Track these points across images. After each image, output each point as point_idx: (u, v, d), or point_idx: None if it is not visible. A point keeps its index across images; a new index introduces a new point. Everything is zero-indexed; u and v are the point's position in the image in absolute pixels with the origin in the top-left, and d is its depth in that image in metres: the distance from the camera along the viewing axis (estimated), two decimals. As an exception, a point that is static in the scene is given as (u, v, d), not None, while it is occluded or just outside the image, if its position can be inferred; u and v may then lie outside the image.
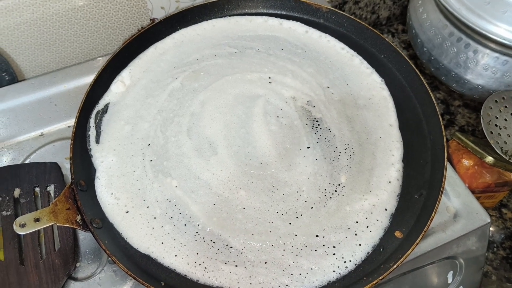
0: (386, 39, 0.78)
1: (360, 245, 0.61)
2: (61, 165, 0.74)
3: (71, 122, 0.70)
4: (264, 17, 0.84)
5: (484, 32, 0.77)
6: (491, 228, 0.86)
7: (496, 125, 0.79)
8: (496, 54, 0.81)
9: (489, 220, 0.69)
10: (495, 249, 0.85)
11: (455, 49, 0.85)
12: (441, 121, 0.68)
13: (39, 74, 0.87)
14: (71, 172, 0.64)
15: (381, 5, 1.10)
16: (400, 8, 1.14)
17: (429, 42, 0.89)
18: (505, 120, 0.80)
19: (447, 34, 0.85)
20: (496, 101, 0.82)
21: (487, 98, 0.82)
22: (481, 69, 0.83)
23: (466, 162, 0.81)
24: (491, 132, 0.78)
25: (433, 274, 0.71)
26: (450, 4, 0.81)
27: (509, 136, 0.78)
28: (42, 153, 0.76)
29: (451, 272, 0.71)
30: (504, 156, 0.76)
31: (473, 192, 0.79)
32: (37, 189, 0.71)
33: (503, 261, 0.84)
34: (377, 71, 0.77)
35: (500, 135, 0.78)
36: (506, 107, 0.81)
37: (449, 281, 0.72)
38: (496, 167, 0.78)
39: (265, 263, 0.59)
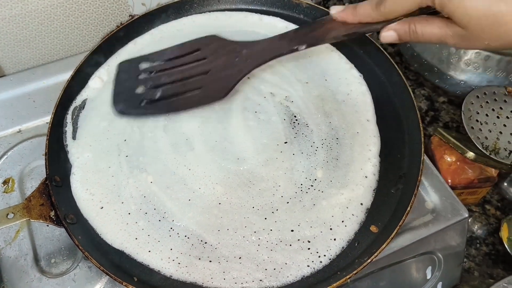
0: (366, 34, 0.77)
1: (335, 239, 0.60)
2: (38, 161, 0.74)
3: (49, 118, 0.69)
4: (244, 12, 0.83)
5: (465, 27, 0.77)
6: (474, 225, 0.86)
7: (477, 121, 0.79)
8: (478, 50, 0.81)
9: (467, 215, 0.69)
10: (478, 245, 0.85)
11: (437, 45, 0.85)
12: (418, 116, 0.67)
13: (19, 70, 0.87)
14: (46, 167, 0.63)
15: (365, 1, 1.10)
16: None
17: (412, 38, 0.89)
18: (486, 115, 0.80)
19: (429, 30, 0.85)
20: (477, 96, 0.82)
21: (469, 93, 0.82)
22: (463, 65, 0.84)
23: (449, 158, 0.81)
24: (472, 128, 0.78)
25: (412, 269, 0.71)
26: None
27: (490, 131, 0.78)
28: (20, 150, 0.76)
29: (430, 267, 0.71)
30: (484, 151, 0.76)
31: (455, 188, 0.79)
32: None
33: (485, 257, 0.84)
34: (356, 66, 0.76)
35: (481, 130, 0.78)
36: (487, 102, 0.81)
37: (428, 276, 0.72)
38: (478, 163, 0.78)
39: (240, 258, 0.59)
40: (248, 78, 0.74)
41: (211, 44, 0.70)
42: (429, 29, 0.53)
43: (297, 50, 0.64)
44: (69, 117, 0.71)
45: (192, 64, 0.69)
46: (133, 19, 0.80)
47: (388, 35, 0.57)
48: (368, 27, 0.59)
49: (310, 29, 0.64)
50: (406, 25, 0.55)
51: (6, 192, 0.71)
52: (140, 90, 0.69)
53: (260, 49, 0.67)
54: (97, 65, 0.77)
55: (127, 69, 0.73)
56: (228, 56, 0.67)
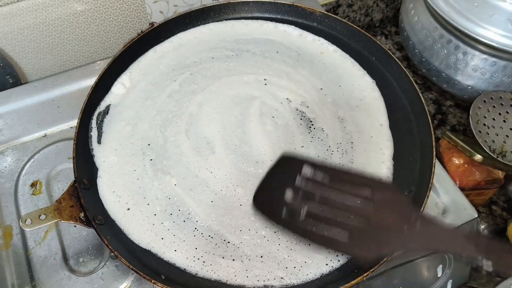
0: (377, 41, 0.80)
1: (352, 239, 0.63)
2: (64, 165, 0.77)
3: (74, 123, 0.72)
4: (259, 21, 0.86)
5: (472, 34, 0.80)
6: (481, 225, 0.89)
7: (484, 124, 0.82)
8: (485, 56, 0.83)
9: (476, 215, 0.72)
10: (485, 244, 0.87)
11: (445, 51, 0.87)
12: (429, 120, 0.70)
13: (42, 77, 0.90)
14: (74, 171, 0.66)
15: (374, 8, 1.13)
16: (393, 10, 1.17)
17: (420, 44, 0.92)
18: (493, 119, 0.82)
19: (437, 36, 0.88)
20: (484, 101, 0.84)
21: (476, 98, 0.85)
22: (471, 70, 0.86)
23: (457, 161, 0.84)
24: (480, 131, 0.81)
25: (423, 267, 0.73)
26: (440, 7, 0.83)
27: (497, 135, 0.81)
28: (46, 154, 0.78)
29: (441, 266, 0.74)
30: (492, 154, 0.79)
31: (463, 189, 0.81)
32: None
33: (493, 256, 0.86)
34: (369, 72, 0.79)
35: (488, 134, 0.81)
36: (494, 107, 0.84)
37: (439, 274, 0.74)
38: (485, 165, 0.81)
39: (261, 257, 0.62)
40: (265, 84, 0.77)
41: (386, 191, 0.57)
42: None
43: (477, 260, 0.50)
44: (94, 122, 0.74)
45: (354, 199, 0.56)
46: (153, 27, 0.83)
47: None
48: None
49: (506, 248, 0.51)
50: None
51: (34, 194, 0.74)
52: (288, 195, 0.58)
53: (437, 235, 0.53)
54: (120, 71, 0.80)
55: (288, 166, 0.61)
56: (398, 217, 0.54)
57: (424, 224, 0.53)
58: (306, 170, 0.58)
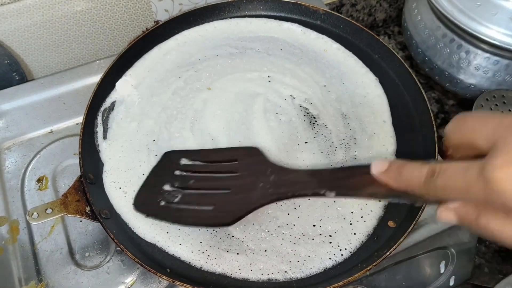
0: (380, 39, 0.81)
1: (355, 234, 0.64)
2: (70, 160, 0.78)
3: (79, 119, 0.73)
4: (263, 19, 0.87)
5: (475, 33, 0.80)
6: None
7: (487, 123, 0.82)
8: (487, 55, 0.83)
9: (478, 212, 0.72)
10: (487, 242, 0.88)
11: (448, 50, 0.88)
12: (432, 118, 0.71)
13: (48, 74, 0.91)
14: (80, 166, 0.67)
15: (378, 7, 1.14)
16: (396, 10, 1.17)
17: (423, 43, 0.92)
18: (496, 117, 0.83)
19: (440, 36, 0.88)
20: (487, 99, 0.85)
21: (478, 97, 0.85)
22: (473, 69, 0.86)
23: (459, 158, 0.84)
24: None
25: (426, 263, 0.74)
26: (443, 7, 0.84)
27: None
28: (52, 149, 0.79)
29: (443, 262, 0.74)
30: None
31: (465, 187, 0.82)
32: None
33: (495, 254, 0.87)
34: (372, 70, 0.80)
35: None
36: (496, 105, 0.84)
37: (442, 270, 0.75)
38: (487, 163, 0.81)
39: (265, 251, 0.63)
40: (269, 81, 0.78)
41: (249, 157, 0.62)
42: (501, 225, 0.39)
43: (323, 195, 0.53)
44: (99, 118, 0.75)
45: (221, 175, 0.61)
46: (158, 25, 0.84)
47: (445, 215, 0.42)
48: (416, 198, 0.45)
49: (346, 175, 0.53)
50: (470, 212, 0.41)
51: (41, 190, 0.75)
52: (167, 187, 0.62)
53: (287, 181, 0.57)
54: (125, 68, 0.80)
55: (168, 160, 0.67)
56: (255, 177, 0.59)
57: (276, 173, 0.58)
58: (184, 161, 0.64)
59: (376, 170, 0.47)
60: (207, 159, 0.64)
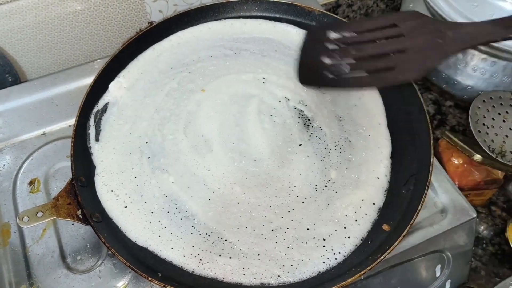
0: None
1: (349, 237, 0.63)
2: (62, 163, 0.77)
3: (72, 121, 0.72)
4: (258, 20, 0.86)
5: (472, 34, 0.80)
6: (480, 226, 0.89)
7: (483, 124, 0.82)
8: (484, 56, 0.83)
9: (475, 215, 0.71)
10: (484, 245, 0.87)
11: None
12: (428, 120, 0.70)
13: (41, 75, 0.90)
14: (71, 168, 0.66)
15: (374, 8, 1.13)
16: (393, 11, 1.17)
17: (420, 44, 0.92)
18: (493, 119, 0.82)
19: (437, 36, 0.87)
20: (484, 101, 0.84)
21: (476, 98, 0.84)
22: (470, 70, 0.86)
23: (456, 161, 0.84)
24: (479, 131, 0.81)
25: (421, 267, 0.73)
26: (440, 7, 0.83)
27: (496, 134, 0.81)
28: (44, 152, 0.78)
29: (439, 265, 0.74)
30: (491, 154, 0.78)
31: (462, 189, 0.81)
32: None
33: (492, 256, 0.86)
34: (367, 71, 0.79)
35: (488, 133, 0.80)
36: (493, 106, 0.84)
37: (437, 274, 0.74)
38: (484, 165, 0.81)
39: (258, 255, 0.62)
40: (264, 83, 0.77)
41: (410, 20, 0.62)
42: None
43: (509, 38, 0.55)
44: (92, 120, 0.74)
45: (386, 41, 0.62)
46: (152, 26, 0.83)
47: None
48: None
49: None
50: None
51: (32, 192, 0.74)
52: (327, 61, 0.64)
53: (469, 32, 0.59)
54: (118, 70, 0.80)
55: (315, 37, 0.69)
56: (430, 35, 0.60)
57: (452, 29, 0.59)
58: (332, 35, 0.65)
59: None
60: (361, 29, 0.64)
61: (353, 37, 0.65)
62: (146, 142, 0.72)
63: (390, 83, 0.64)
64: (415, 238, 0.69)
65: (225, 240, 0.63)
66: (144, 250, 0.63)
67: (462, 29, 0.60)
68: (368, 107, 0.75)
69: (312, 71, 0.67)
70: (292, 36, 0.84)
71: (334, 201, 0.66)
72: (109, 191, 0.67)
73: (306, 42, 0.69)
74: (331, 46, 0.65)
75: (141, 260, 0.62)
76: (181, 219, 0.65)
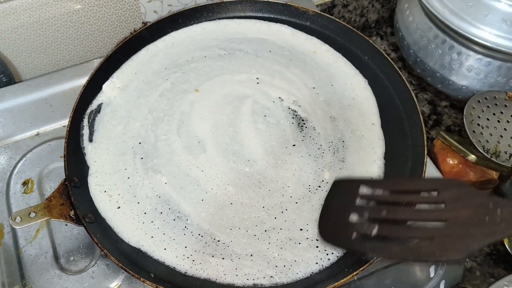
0: (370, 41, 0.80)
1: (342, 238, 0.63)
2: (56, 163, 0.77)
3: (66, 122, 0.72)
4: (252, 20, 0.86)
5: (467, 34, 0.80)
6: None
7: (478, 125, 0.81)
8: (479, 56, 0.83)
9: (468, 215, 0.71)
10: (479, 245, 0.87)
11: (440, 51, 0.87)
12: (421, 120, 0.70)
13: (36, 75, 0.90)
14: (64, 169, 0.66)
15: (370, 8, 1.13)
16: (389, 11, 1.17)
17: (415, 44, 0.92)
18: (487, 119, 0.82)
19: (432, 37, 0.87)
20: (479, 101, 0.84)
21: (470, 98, 0.84)
22: (465, 70, 0.86)
23: (451, 161, 0.83)
24: (474, 131, 0.80)
25: (415, 268, 0.73)
26: (435, 8, 0.83)
27: (491, 135, 0.80)
28: (38, 152, 0.78)
29: (433, 266, 0.73)
30: (485, 154, 0.78)
31: (457, 190, 0.81)
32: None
33: (487, 257, 0.86)
34: (361, 72, 0.79)
35: (482, 134, 0.80)
36: (488, 107, 0.83)
37: (431, 275, 0.74)
38: (479, 165, 0.80)
39: (251, 255, 0.62)
40: (258, 83, 0.77)
41: (453, 188, 0.55)
42: None
43: None
44: (85, 121, 0.74)
45: (425, 206, 0.56)
46: (146, 26, 0.83)
47: None
48: None
49: None
50: None
51: (26, 193, 0.74)
52: (354, 218, 0.56)
53: None
54: (112, 70, 0.80)
55: (345, 189, 0.61)
56: (475, 210, 0.53)
57: (504, 207, 0.52)
58: (365, 190, 0.57)
59: None
60: (396, 188, 0.58)
61: (386, 195, 0.57)
62: (140, 143, 0.72)
63: (424, 259, 0.54)
64: (408, 238, 0.69)
65: (218, 240, 0.63)
66: (137, 251, 0.63)
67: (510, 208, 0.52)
68: (362, 107, 0.75)
69: (337, 226, 0.59)
70: (287, 36, 0.84)
71: None
72: (102, 191, 0.67)
73: (333, 191, 0.62)
74: (359, 202, 0.57)
75: (134, 260, 0.62)
76: (174, 219, 0.65)
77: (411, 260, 0.54)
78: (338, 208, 0.59)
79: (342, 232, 0.57)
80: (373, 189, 0.57)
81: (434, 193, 0.55)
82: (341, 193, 0.61)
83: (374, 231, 0.54)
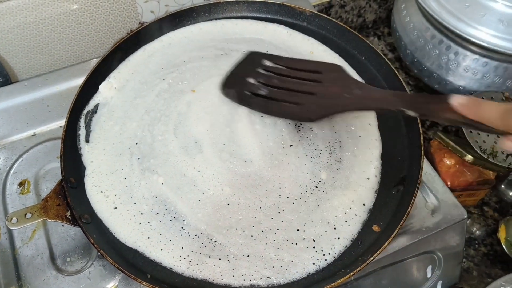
0: (367, 41, 0.80)
1: (339, 238, 0.63)
2: (52, 164, 0.76)
3: (63, 122, 0.72)
4: (249, 20, 0.86)
5: (464, 35, 0.80)
6: (473, 226, 0.89)
7: (475, 125, 0.81)
8: (476, 56, 0.83)
9: (466, 216, 0.71)
10: (476, 245, 0.87)
11: (436, 51, 0.87)
12: (418, 120, 0.70)
13: (32, 76, 0.90)
14: (61, 169, 0.66)
15: (367, 8, 1.13)
16: (386, 11, 1.17)
17: (412, 44, 0.92)
18: (484, 119, 0.82)
19: (429, 37, 0.88)
20: (475, 101, 0.84)
21: (467, 98, 0.84)
22: (462, 71, 0.86)
23: (448, 161, 0.84)
24: (471, 132, 0.81)
25: (412, 268, 0.73)
26: (432, 8, 0.83)
27: (488, 135, 0.80)
28: (35, 152, 0.78)
29: (430, 266, 0.73)
30: (482, 155, 0.78)
31: (454, 190, 0.81)
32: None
33: (484, 257, 0.86)
34: (358, 72, 0.79)
35: (479, 134, 0.80)
36: (485, 107, 0.83)
37: (428, 275, 0.74)
38: (476, 166, 0.81)
39: (248, 256, 0.62)
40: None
41: (333, 72, 0.69)
42: None
43: (403, 112, 0.59)
44: (82, 121, 0.74)
45: (306, 82, 0.69)
46: (143, 26, 0.83)
47: (509, 145, 0.51)
48: (488, 128, 0.52)
49: (427, 100, 0.59)
50: None
51: (22, 194, 0.74)
52: (251, 80, 0.71)
53: (371, 96, 0.64)
54: (108, 71, 0.80)
55: (252, 59, 0.75)
56: (340, 88, 0.66)
57: (361, 89, 0.65)
58: (266, 62, 0.73)
59: (457, 101, 0.53)
60: (291, 65, 0.72)
61: (281, 69, 0.71)
62: (136, 143, 0.72)
63: (289, 117, 0.71)
64: (406, 239, 0.69)
65: (215, 241, 0.63)
66: (133, 252, 0.63)
67: (367, 92, 0.65)
68: (359, 107, 0.75)
69: (235, 85, 0.73)
70: (284, 36, 0.84)
71: (324, 202, 0.66)
72: (99, 192, 0.67)
73: (243, 60, 0.76)
74: (260, 70, 0.72)
75: (131, 261, 0.62)
76: (170, 220, 0.65)
77: (281, 116, 0.72)
78: (242, 72, 0.74)
79: (239, 89, 0.72)
80: (273, 62, 0.73)
81: (318, 74, 0.69)
82: (249, 61, 0.75)
83: (263, 92, 0.70)
